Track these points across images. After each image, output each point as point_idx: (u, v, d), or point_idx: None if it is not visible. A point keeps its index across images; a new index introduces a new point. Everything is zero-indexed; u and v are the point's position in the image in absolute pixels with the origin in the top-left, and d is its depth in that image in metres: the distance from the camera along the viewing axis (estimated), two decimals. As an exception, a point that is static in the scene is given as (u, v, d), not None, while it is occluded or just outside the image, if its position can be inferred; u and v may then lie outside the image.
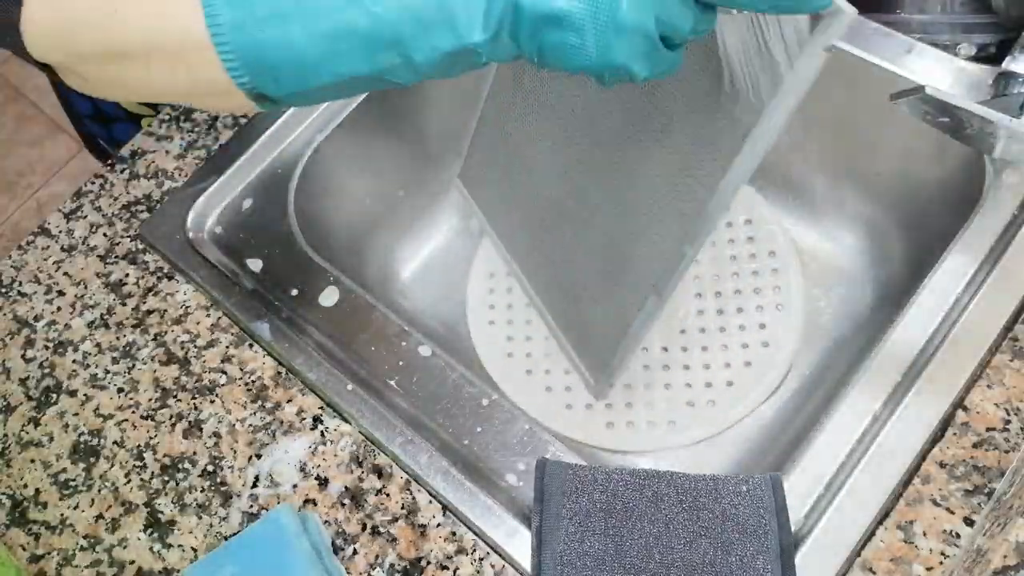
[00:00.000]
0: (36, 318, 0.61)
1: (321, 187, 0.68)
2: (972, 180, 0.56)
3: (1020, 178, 0.54)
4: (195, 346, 0.58)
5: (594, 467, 0.47)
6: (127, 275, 0.62)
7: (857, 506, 0.46)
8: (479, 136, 0.66)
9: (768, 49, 0.39)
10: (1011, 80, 0.54)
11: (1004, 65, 0.55)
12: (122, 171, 0.66)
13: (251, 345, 0.57)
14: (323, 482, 0.52)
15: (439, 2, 0.31)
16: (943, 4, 0.60)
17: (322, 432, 0.53)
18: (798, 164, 0.69)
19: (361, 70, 0.33)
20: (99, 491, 0.54)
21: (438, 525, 0.49)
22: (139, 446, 0.55)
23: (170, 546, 0.51)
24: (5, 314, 0.61)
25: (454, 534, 0.49)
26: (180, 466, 0.54)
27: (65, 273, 0.62)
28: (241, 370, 0.56)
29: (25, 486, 0.55)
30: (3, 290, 0.62)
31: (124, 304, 0.60)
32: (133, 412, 0.56)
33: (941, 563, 0.44)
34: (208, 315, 0.59)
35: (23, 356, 0.60)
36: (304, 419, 0.54)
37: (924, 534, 0.45)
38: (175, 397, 0.56)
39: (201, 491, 0.53)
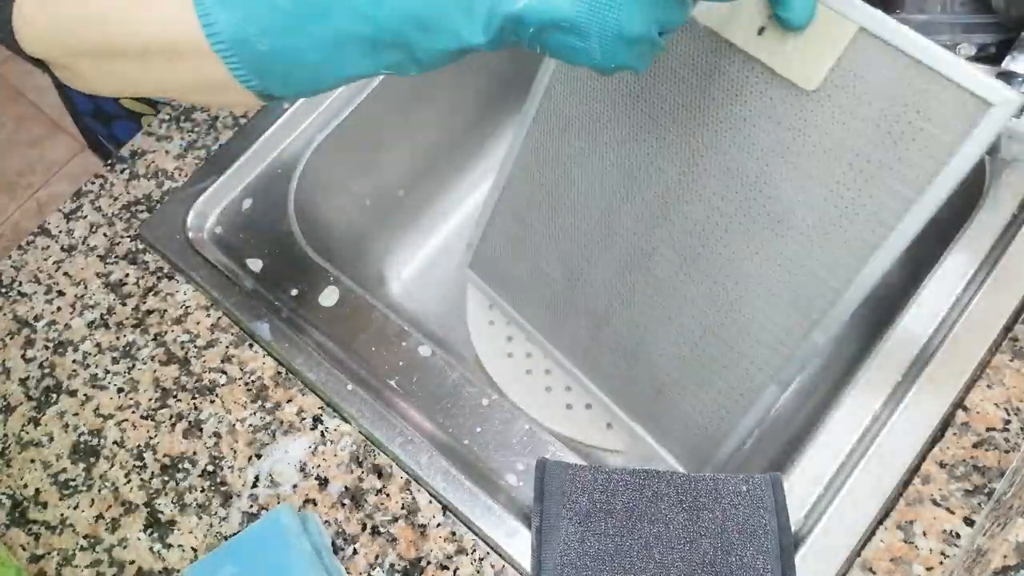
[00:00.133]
0: (36, 318, 0.61)
1: (321, 187, 0.68)
2: (972, 180, 0.56)
3: (1020, 178, 0.54)
4: (195, 346, 0.58)
5: (594, 467, 0.47)
6: (127, 275, 0.62)
7: (857, 506, 0.46)
8: (495, 222, 0.61)
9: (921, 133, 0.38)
10: (1011, 80, 0.54)
11: (1004, 65, 0.55)
12: (122, 171, 0.66)
13: (251, 345, 0.57)
14: (323, 482, 0.52)
15: (440, 7, 0.31)
16: (943, 4, 0.60)
17: (322, 432, 0.53)
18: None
19: (366, 70, 0.33)
20: (99, 491, 0.54)
21: (438, 525, 0.49)
22: (139, 446, 0.55)
23: (170, 546, 0.51)
24: (5, 314, 0.61)
25: (454, 534, 0.49)
26: (180, 466, 0.54)
27: (65, 273, 0.62)
28: (241, 370, 0.56)
29: (25, 486, 0.55)
30: (3, 290, 0.62)
31: (124, 304, 0.60)
32: (133, 412, 0.56)
33: (941, 563, 0.44)
34: (208, 315, 0.59)
35: (23, 356, 0.60)
36: (304, 419, 0.54)
37: (924, 534, 0.45)
38: (175, 397, 0.56)
39: (201, 491, 0.53)
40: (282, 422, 0.54)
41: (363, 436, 0.53)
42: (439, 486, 0.50)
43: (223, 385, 0.56)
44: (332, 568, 0.48)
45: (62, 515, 0.53)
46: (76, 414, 0.57)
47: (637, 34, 0.32)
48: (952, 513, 0.45)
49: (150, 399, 0.56)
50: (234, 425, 0.54)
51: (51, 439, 0.56)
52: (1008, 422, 0.47)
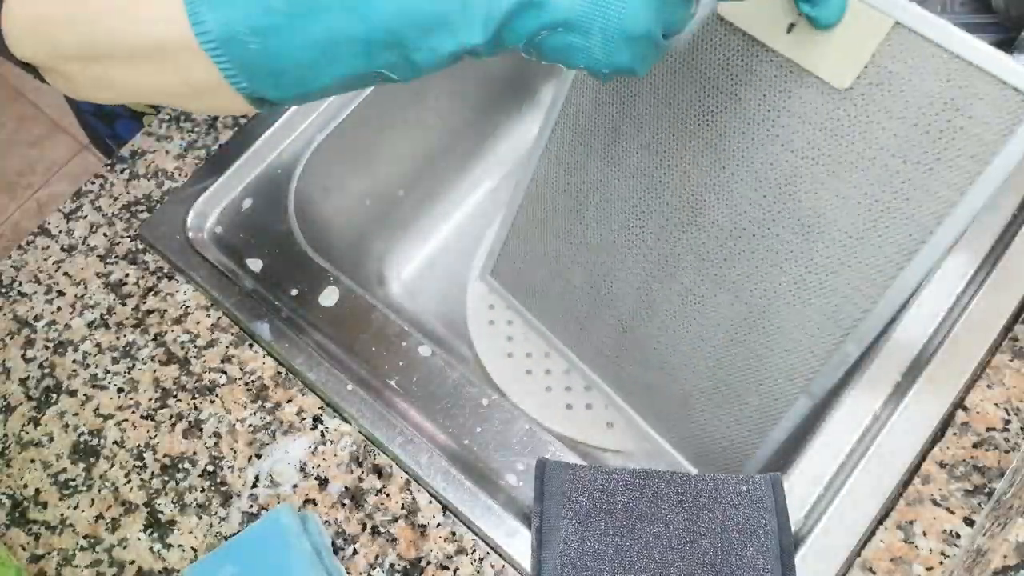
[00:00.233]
0: (36, 318, 0.61)
1: (321, 187, 0.68)
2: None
3: (1020, 178, 0.54)
4: (195, 346, 0.58)
5: (594, 467, 0.47)
6: (127, 275, 0.62)
7: (857, 506, 0.46)
8: (518, 230, 0.61)
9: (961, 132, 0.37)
10: (1011, 80, 0.54)
11: (1004, 65, 0.55)
12: (122, 171, 0.66)
13: (251, 345, 0.57)
14: (323, 482, 0.52)
15: (437, 6, 0.31)
16: (943, 4, 0.60)
17: (322, 432, 0.53)
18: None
19: (360, 71, 0.33)
20: (99, 491, 0.54)
21: (438, 525, 0.49)
22: (139, 446, 0.55)
23: (170, 546, 0.51)
24: (5, 314, 0.61)
25: (454, 534, 0.49)
26: (180, 466, 0.54)
27: (65, 273, 0.62)
28: (241, 370, 0.56)
29: (25, 486, 0.55)
30: (3, 290, 0.62)
31: (124, 304, 0.60)
32: (133, 412, 0.56)
33: (941, 563, 0.44)
34: (208, 315, 0.59)
35: (23, 356, 0.60)
36: (304, 419, 0.54)
37: (924, 534, 0.45)
38: (175, 397, 0.56)
39: (201, 491, 0.53)
40: (282, 422, 0.54)
41: (363, 436, 0.53)
42: (439, 486, 0.50)
43: (223, 385, 0.56)
44: (332, 568, 0.48)
45: (62, 515, 0.53)
46: (76, 414, 0.57)
47: (641, 32, 0.31)
48: (952, 513, 0.45)
49: (150, 399, 0.56)
50: (234, 425, 0.54)
51: (51, 439, 0.56)
52: (1008, 422, 0.47)
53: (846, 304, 0.44)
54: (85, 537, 0.53)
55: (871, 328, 0.43)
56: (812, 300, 0.45)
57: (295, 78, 0.32)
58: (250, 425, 0.54)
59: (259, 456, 0.53)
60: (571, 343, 0.61)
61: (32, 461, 0.56)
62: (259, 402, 0.55)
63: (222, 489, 0.53)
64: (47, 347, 0.60)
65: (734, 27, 0.42)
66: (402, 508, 0.50)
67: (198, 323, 0.59)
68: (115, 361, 0.58)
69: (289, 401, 0.55)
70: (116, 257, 0.62)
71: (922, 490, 0.46)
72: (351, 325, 0.57)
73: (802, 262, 0.45)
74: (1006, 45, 0.56)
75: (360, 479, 0.52)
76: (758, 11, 0.41)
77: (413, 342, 0.56)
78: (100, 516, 0.53)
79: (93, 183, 0.66)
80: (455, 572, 0.48)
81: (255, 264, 0.61)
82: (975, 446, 0.47)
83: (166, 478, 0.54)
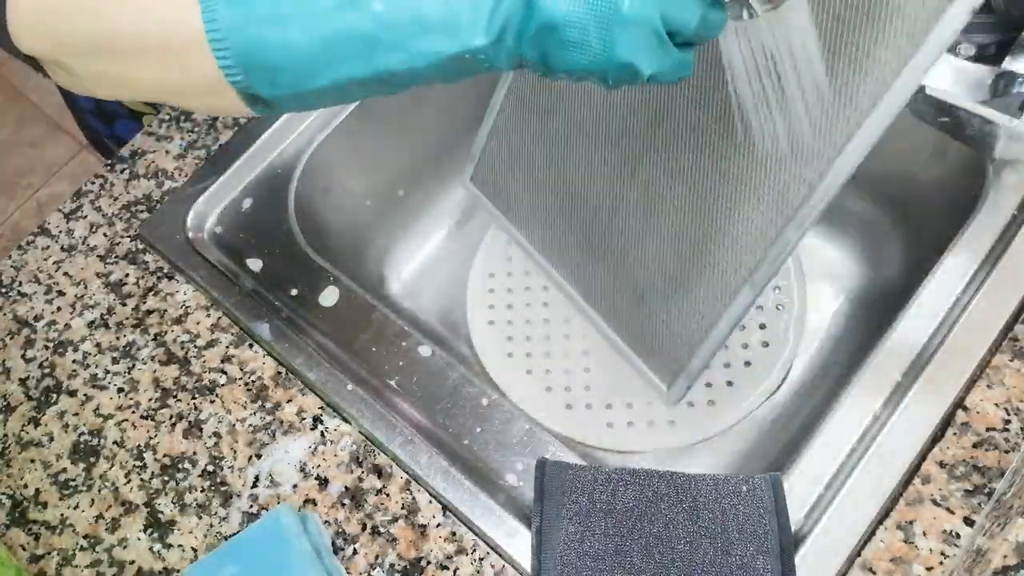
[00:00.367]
0: (36, 318, 0.61)
1: (321, 187, 0.68)
2: (972, 180, 0.56)
3: (1020, 178, 0.54)
4: (195, 346, 0.58)
5: (594, 467, 0.47)
6: (127, 275, 0.62)
7: (857, 506, 0.46)
8: (496, 135, 0.62)
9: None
10: (1011, 80, 0.54)
11: (1004, 65, 0.55)
12: (122, 171, 0.66)
13: (251, 345, 0.57)
14: (323, 482, 0.52)
15: (443, 3, 0.30)
16: (943, 4, 0.60)
17: (322, 432, 0.53)
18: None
19: (360, 73, 0.32)
20: (99, 491, 0.54)
21: (438, 525, 0.49)
22: (139, 446, 0.55)
23: (170, 546, 0.51)
24: (5, 314, 0.61)
25: (454, 534, 0.49)
26: (180, 466, 0.54)
27: (65, 273, 0.62)
28: (241, 370, 0.56)
29: (25, 486, 0.55)
30: (3, 290, 0.62)
31: (124, 304, 0.60)
32: (133, 412, 0.56)
33: (941, 563, 0.44)
34: (208, 315, 0.59)
35: (23, 356, 0.60)
36: (304, 419, 0.54)
37: (924, 534, 0.45)
38: (175, 397, 0.56)
39: (201, 491, 0.53)
40: (282, 422, 0.54)
41: (363, 436, 0.53)
42: (439, 486, 0.50)
43: (223, 385, 0.56)
44: (332, 568, 0.48)
45: (62, 515, 0.53)
46: (76, 414, 0.57)
47: (635, 15, 0.30)
48: (952, 513, 0.45)
49: (150, 399, 0.56)
50: (234, 425, 0.54)
51: (51, 439, 0.56)
52: (1008, 422, 0.47)
53: (787, 190, 0.44)
54: (85, 537, 0.53)
55: (810, 212, 0.44)
56: (756, 190, 0.46)
57: (292, 76, 0.32)
58: (250, 425, 0.54)
59: (259, 456, 0.53)
60: (542, 247, 0.63)
61: (32, 461, 0.56)
62: (259, 402, 0.55)
63: (222, 489, 0.53)
64: (47, 347, 0.60)
65: None
66: (402, 508, 0.50)
67: (198, 323, 0.59)
68: (115, 361, 0.58)
69: (289, 401, 0.55)
70: (116, 257, 0.62)
71: (922, 490, 0.46)
72: (351, 325, 0.57)
73: (746, 153, 0.46)
74: (1006, 45, 0.56)
75: (360, 479, 0.52)
76: None
77: (413, 342, 0.56)
78: (100, 516, 0.53)
79: (93, 183, 0.66)
80: (455, 572, 0.48)
81: (255, 264, 0.61)
82: (975, 446, 0.47)
83: (166, 478, 0.54)
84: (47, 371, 0.59)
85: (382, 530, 0.50)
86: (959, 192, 0.58)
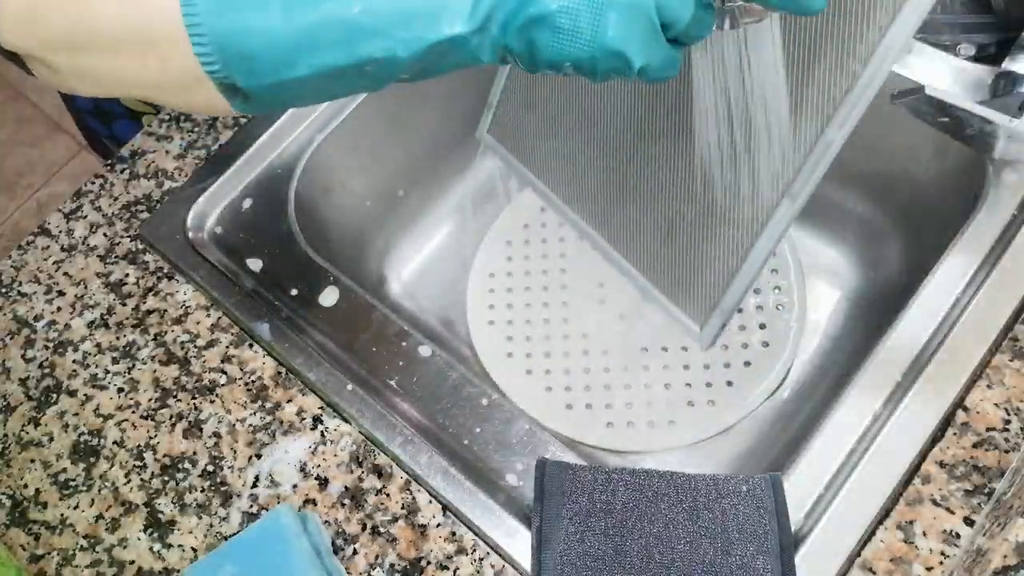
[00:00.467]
0: (36, 318, 0.61)
1: (321, 187, 0.68)
2: (972, 180, 0.56)
3: (1020, 178, 0.54)
4: (195, 346, 0.58)
5: (594, 467, 0.47)
6: (127, 275, 0.62)
7: (857, 506, 0.46)
8: (512, 85, 0.61)
9: None
10: (1011, 80, 0.54)
11: (1004, 65, 0.55)
12: (122, 171, 0.66)
13: (251, 345, 0.57)
14: (323, 482, 0.52)
15: None
16: (943, 4, 0.60)
17: (322, 432, 0.53)
18: (798, 164, 0.69)
19: (340, 61, 0.32)
20: (99, 491, 0.54)
21: (438, 525, 0.50)
22: (139, 446, 0.55)
23: (170, 546, 0.51)
24: (5, 314, 0.61)
25: (454, 534, 0.49)
26: (180, 466, 0.54)
27: (65, 273, 0.62)
28: (241, 370, 0.56)
29: (25, 486, 0.55)
30: (3, 290, 0.62)
31: (124, 304, 0.60)
32: (133, 412, 0.56)
33: (941, 563, 0.44)
34: (208, 315, 0.59)
35: (23, 356, 0.60)
36: (304, 419, 0.54)
37: (924, 534, 0.45)
38: (175, 397, 0.56)
39: (201, 491, 0.53)
40: (282, 422, 0.54)
41: (363, 436, 0.53)
42: (439, 486, 0.50)
43: (223, 385, 0.56)
44: (332, 568, 0.48)
45: (62, 515, 0.53)
46: (76, 414, 0.57)
47: (625, 1, 0.30)
48: (952, 513, 0.45)
49: (150, 399, 0.56)
50: (234, 425, 0.54)
51: (51, 439, 0.56)
52: (1008, 422, 0.47)
53: (828, 89, 0.42)
54: (85, 537, 0.53)
55: (856, 109, 0.41)
56: (795, 91, 0.44)
57: (271, 63, 0.31)
58: (250, 425, 0.54)
59: (259, 456, 0.53)
60: (567, 195, 0.61)
61: (32, 461, 0.56)
62: (259, 402, 0.55)
63: (222, 489, 0.53)
64: (47, 347, 0.60)
65: None
66: (402, 508, 0.50)
67: (198, 323, 0.59)
68: (115, 361, 0.58)
69: (289, 401, 0.55)
70: (116, 257, 0.62)
71: (922, 490, 0.46)
72: (351, 325, 0.57)
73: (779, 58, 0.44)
74: (1006, 45, 0.56)
75: (360, 479, 0.52)
76: None
77: (413, 342, 0.56)
78: (100, 516, 0.53)
79: (93, 183, 0.66)
80: (455, 572, 0.48)
81: (255, 264, 0.61)
82: (975, 446, 0.47)
83: (166, 478, 0.54)
84: (47, 371, 0.59)
85: (382, 530, 0.50)
86: (959, 192, 0.58)
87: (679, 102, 0.49)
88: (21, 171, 1.79)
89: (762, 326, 0.66)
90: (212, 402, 0.56)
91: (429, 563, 0.48)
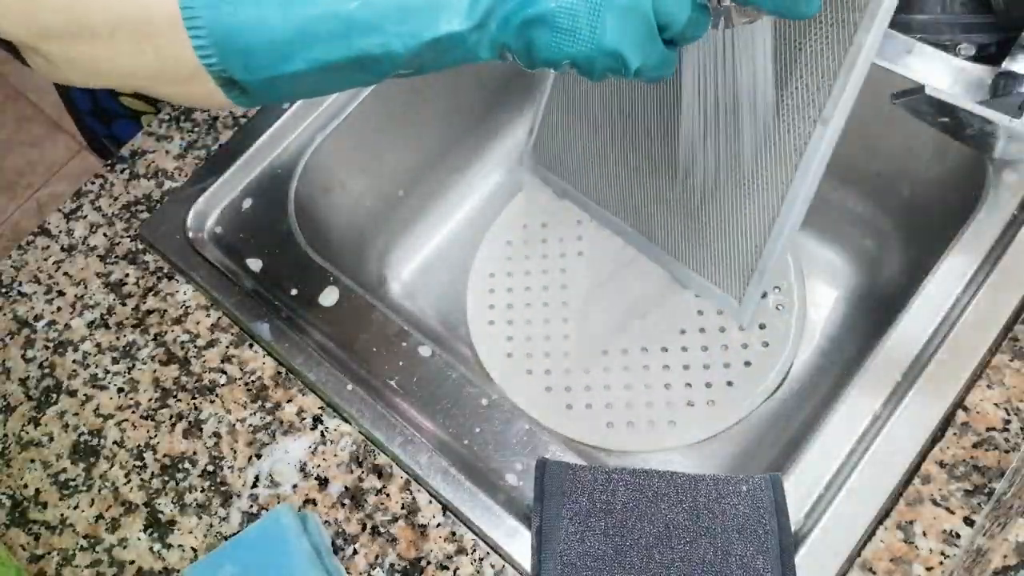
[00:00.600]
0: (36, 318, 0.61)
1: (321, 187, 0.68)
2: (972, 180, 0.56)
3: (1020, 178, 0.54)
4: (195, 346, 0.58)
5: (594, 467, 0.47)
6: (127, 275, 0.62)
7: (857, 506, 0.46)
8: (551, 107, 0.64)
9: None
10: (1011, 80, 0.54)
11: (1004, 65, 0.55)
12: (122, 171, 0.66)
13: (251, 345, 0.57)
14: (323, 482, 0.52)
15: None
16: (943, 4, 0.60)
17: (322, 432, 0.53)
18: (798, 164, 0.69)
19: (336, 56, 0.31)
20: (99, 491, 0.54)
21: (438, 525, 0.50)
22: (139, 446, 0.55)
23: (170, 546, 0.51)
24: (5, 314, 0.61)
25: (454, 534, 0.49)
26: (180, 466, 0.54)
27: (65, 273, 0.62)
28: (241, 370, 0.56)
29: (25, 486, 0.55)
30: (3, 290, 0.62)
31: (124, 304, 0.60)
32: (133, 412, 0.56)
33: (941, 563, 0.44)
34: (208, 315, 0.59)
35: (23, 356, 0.60)
36: (304, 419, 0.54)
37: (924, 534, 0.45)
38: (175, 397, 0.56)
39: (201, 491, 0.53)
40: (282, 422, 0.54)
41: (363, 436, 0.53)
42: (439, 486, 0.50)
43: (223, 385, 0.56)
44: (332, 568, 0.48)
45: (62, 515, 0.53)
46: (76, 414, 0.57)
47: (626, 2, 0.30)
48: (952, 513, 0.45)
49: (150, 399, 0.56)
50: (234, 425, 0.54)
51: (51, 439, 0.56)
52: (1008, 422, 0.47)
53: (839, 25, 0.43)
54: (85, 537, 0.53)
55: (874, 21, 0.41)
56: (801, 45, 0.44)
57: (268, 57, 0.31)
58: (250, 425, 0.54)
59: (259, 456, 0.53)
60: (602, 198, 0.62)
61: (32, 461, 0.56)
62: (259, 402, 0.55)
63: (222, 489, 0.53)
64: (47, 347, 0.60)
65: None
66: (402, 508, 0.50)
67: (198, 323, 0.59)
68: (115, 361, 0.58)
69: (289, 401, 0.55)
70: (116, 257, 0.62)
71: (922, 490, 0.46)
72: (351, 325, 0.57)
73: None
74: (1006, 45, 0.56)
75: (360, 479, 0.52)
76: None
77: (413, 342, 0.56)
78: (100, 516, 0.53)
79: (93, 183, 0.66)
80: (455, 572, 0.48)
81: (255, 264, 0.61)
82: (975, 446, 0.47)
83: (166, 478, 0.54)
84: (47, 371, 0.59)
85: (382, 530, 0.50)
86: (959, 192, 0.58)
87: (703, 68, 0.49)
88: (21, 171, 1.79)
89: (762, 326, 0.66)
90: (212, 402, 0.56)
91: (429, 563, 0.48)
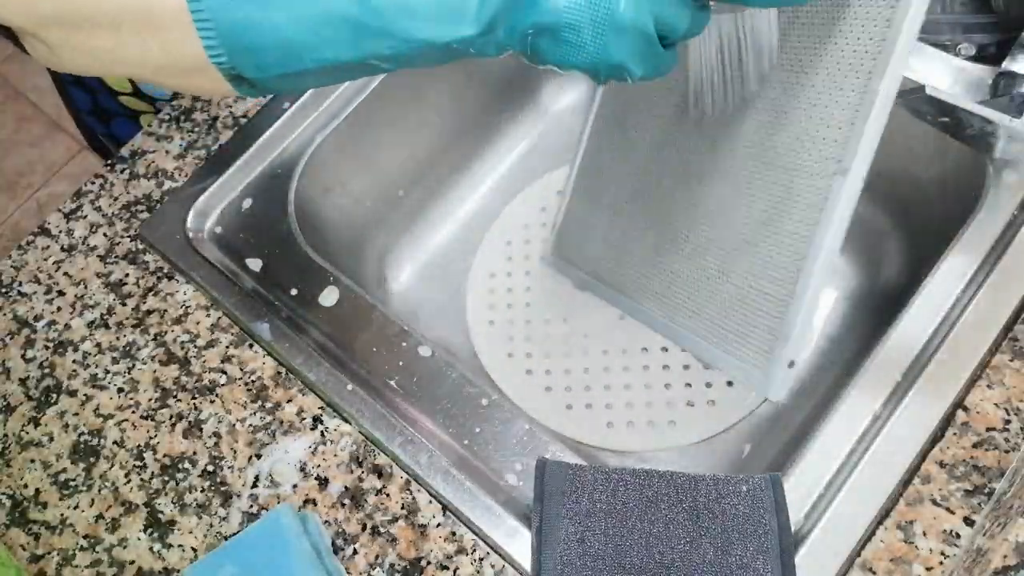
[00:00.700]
0: (36, 318, 0.61)
1: (321, 187, 0.68)
2: (972, 180, 0.56)
3: (1020, 178, 0.54)
4: (195, 346, 0.58)
5: (594, 467, 0.47)
6: (127, 275, 0.62)
7: (857, 506, 0.46)
8: (572, 202, 0.65)
9: None
10: (1011, 80, 0.54)
11: (1004, 65, 0.55)
12: (122, 171, 0.66)
13: (251, 345, 0.57)
14: (323, 482, 0.52)
15: None
16: (943, 4, 0.60)
17: (322, 432, 0.53)
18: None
19: (346, 57, 0.32)
20: (99, 491, 0.54)
21: (438, 525, 0.50)
22: (139, 446, 0.55)
23: (170, 546, 0.51)
24: (5, 314, 0.61)
25: (454, 534, 0.49)
26: (180, 466, 0.54)
27: (65, 273, 0.62)
28: (241, 370, 0.56)
29: (25, 486, 0.55)
30: (3, 290, 0.62)
31: (124, 304, 0.60)
32: (133, 412, 0.56)
33: (941, 563, 0.44)
34: (208, 315, 0.59)
35: (23, 356, 0.60)
36: (304, 419, 0.54)
37: (924, 534, 0.45)
38: (175, 397, 0.56)
39: (201, 491, 0.53)
40: (282, 422, 0.54)
41: (363, 436, 0.53)
42: (439, 486, 0.50)
43: (223, 385, 0.56)
44: (332, 568, 0.48)
45: (62, 515, 0.53)
46: (76, 414, 0.57)
47: (630, 21, 0.31)
48: (952, 513, 0.45)
49: (150, 399, 0.56)
50: (234, 425, 0.54)
51: (51, 439, 0.56)
52: (1008, 422, 0.47)
53: (862, 59, 0.43)
54: (85, 537, 0.53)
55: (894, 59, 0.41)
56: (815, 77, 0.44)
57: (277, 57, 0.31)
58: (250, 425, 0.54)
59: (259, 456, 0.53)
60: (623, 286, 0.61)
61: (32, 461, 0.56)
62: (259, 402, 0.55)
63: (222, 489, 0.53)
64: (47, 347, 0.60)
65: None
66: (402, 508, 0.50)
67: (198, 323, 0.59)
68: (115, 361, 0.58)
69: (289, 401, 0.55)
70: (116, 257, 0.62)
71: (922, 490, 0.46)
72: (351, 325, 0.57)
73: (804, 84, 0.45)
74: (1006, 45, 0.56)
75: (360, 479, 0.52)
76: None
77: (413, 342, 0.56)
78: (100, 516, 0.53)
79: (93, 183, 0.66)
80: (455, 572, 0.48)
81: (255, 264, 0.61)
82: (975, 446, 0.47)
83: (166, 478, 0.54)
84: (47, 371, 0.59)
85: (382, 530, 0.50)
86: (959, 192, 0.58)
87: (714, 136, 0.51)
88: (21, 171, 1.80)
89: (762, 326, 0.66)
90: (212, 402, 0.56)
91: (429, 563, 0.48)
